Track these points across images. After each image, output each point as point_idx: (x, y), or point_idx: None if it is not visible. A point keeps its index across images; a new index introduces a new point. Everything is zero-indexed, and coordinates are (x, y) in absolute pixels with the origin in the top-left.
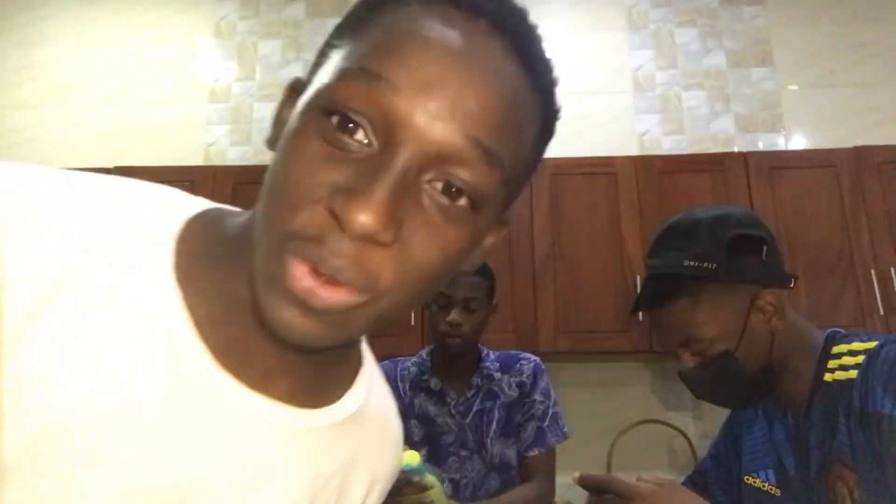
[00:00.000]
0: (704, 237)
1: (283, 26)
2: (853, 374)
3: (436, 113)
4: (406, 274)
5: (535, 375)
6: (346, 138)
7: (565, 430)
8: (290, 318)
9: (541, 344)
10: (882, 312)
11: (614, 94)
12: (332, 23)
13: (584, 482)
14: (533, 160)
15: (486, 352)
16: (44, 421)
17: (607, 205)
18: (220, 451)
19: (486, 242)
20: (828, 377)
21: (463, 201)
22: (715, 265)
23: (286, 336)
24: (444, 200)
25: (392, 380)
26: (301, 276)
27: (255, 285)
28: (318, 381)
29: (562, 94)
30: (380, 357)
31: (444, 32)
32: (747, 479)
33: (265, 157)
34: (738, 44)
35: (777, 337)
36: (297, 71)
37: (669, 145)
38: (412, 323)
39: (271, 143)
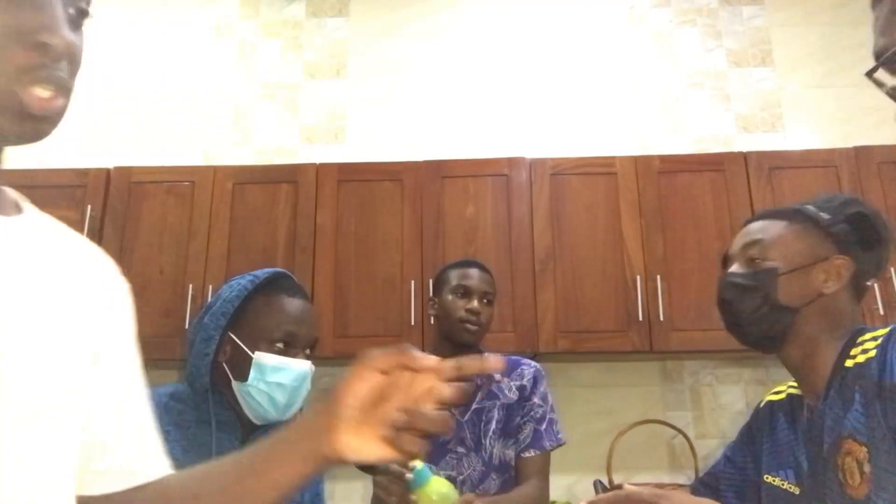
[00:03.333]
0: (836, 203)
1: (283, 26)
2: (872, 353)
3: None
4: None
5: (536, 380)
6: None
7: (560, 436)
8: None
9: (541, 344)
10: (882, 312)
11: (614, 94)
12: (331, 23)
13: None
14: None
15: (486, 354)
16: None
17: (607, 205)
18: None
19: None
20: (849, 363)
21: None
22: (828, 216)
23: (31, 141)
24: None
25: None
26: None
27: None
28: None
29: (562, 94)
30: None
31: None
32: (767, 478)
33: (265, 157)
34: (738, 44)
35: (824, 300)
36: (297, 71)
37: (669, 145)
38: (412, 322)
39: None
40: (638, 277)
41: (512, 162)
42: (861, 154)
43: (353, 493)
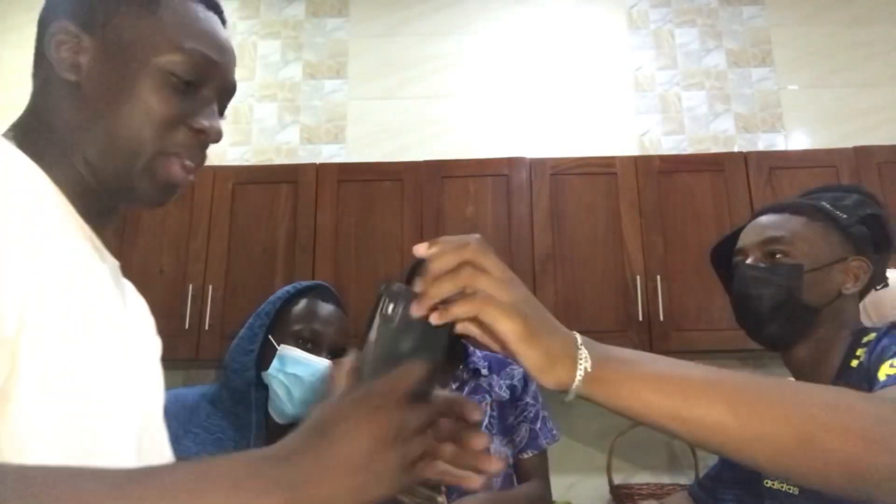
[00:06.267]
0: (850, 202)
1: (283, 26)
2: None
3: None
4: None
5: (526, 379)
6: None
7: (555, 432)
8: (164, 197)
9: None
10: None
11: (614, 94)
12: (331, 23)
13: None
14: None
15: (470, 348)
16: None
17: (607, 205)
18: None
19: None
20: (853, 363)
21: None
22: (845, 216)
23: (156, 205)
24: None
25: None
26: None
27: (130, 176)
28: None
29: (562, 94)
30: None
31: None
32: (767, 483)
33: (265, 156)
34: (738, 44)
35: (840, 301)
36: (297, 71)
37: (669, 145)
38: None
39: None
40: (638, 277)
41: (512, 162)
42: (861, 154)
43: None
